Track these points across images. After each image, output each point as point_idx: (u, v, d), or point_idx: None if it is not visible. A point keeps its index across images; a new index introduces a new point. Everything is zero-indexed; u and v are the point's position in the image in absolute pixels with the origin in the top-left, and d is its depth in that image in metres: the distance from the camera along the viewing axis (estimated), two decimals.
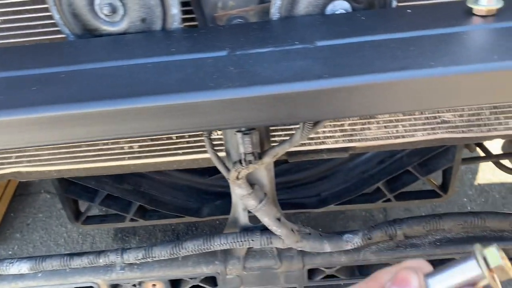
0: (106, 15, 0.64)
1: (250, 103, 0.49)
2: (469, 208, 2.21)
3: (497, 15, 0.59)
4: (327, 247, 0.92)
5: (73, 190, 1.21)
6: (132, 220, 1.25)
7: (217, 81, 0.50)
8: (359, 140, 0.96)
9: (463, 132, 0.97)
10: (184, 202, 1.29)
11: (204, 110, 0.48)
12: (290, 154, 0.97)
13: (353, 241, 0.93)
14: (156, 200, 1.25)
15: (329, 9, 0.67)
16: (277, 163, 1.30)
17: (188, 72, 0.52)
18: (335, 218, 1.91)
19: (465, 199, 2.26)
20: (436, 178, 1.44)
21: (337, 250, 0.93)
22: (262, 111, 0.49)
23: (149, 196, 1.25)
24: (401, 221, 0.94)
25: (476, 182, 2.32)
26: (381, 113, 0.52)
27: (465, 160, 1.40)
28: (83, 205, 1.29)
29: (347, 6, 0.67)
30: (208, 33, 0.64)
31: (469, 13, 0.60)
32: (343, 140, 0.97)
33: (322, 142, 0.97)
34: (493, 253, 0.41)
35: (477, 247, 0.41)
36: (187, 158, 0.97)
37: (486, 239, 0.96)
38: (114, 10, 0.63)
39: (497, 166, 1.45)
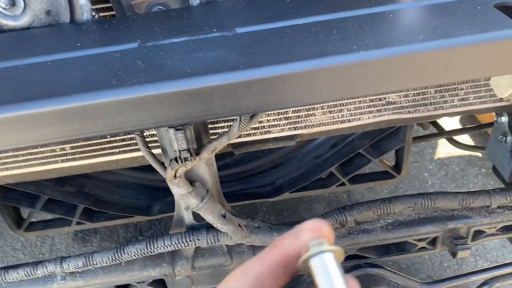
0: (3, 8, 0.57)
1: (157, 100, 0.44)
2: (429, 183, 2.23)
3: None
4: None
5: (12, 196, 1.13)
6: (78, 223, 1.18)
7: (120, 78, 0.44)
8: (305, 127, 0.93)
9: (409, 112, 0.95)
10: (133, 200, 1.23)
11: (106, 111, 0.43)
12: (235, 146, 0.93)
13: None
14: (102, 201, 1.19)
15: None
16: (225, 155, 1.26)
17: (90, 69, 0.47)
18: (299, 202, 1.89)
19: (426, 174, 2.28)
20: (389, 159, 1.44)
21: None
22: (173, 109, 0.44)
23: (94, 197, 1.18)
24: (351, 207, 0.92)
25: (436, 157, 2.36)
26: (304, 105, 0.48)
27: (417, 139, 1.40)
28: (26, 211, 1.22)
29: None
30: (120, 24, 0.58)
31: None
32: (288, 128, 0.93)
33: (268, 131, 0.93)
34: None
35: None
36: (125, 156, 0.92)
37: (437, 220, 0.95)
38: (12, 2, 0.57)
39: (450, 142, 1.45)
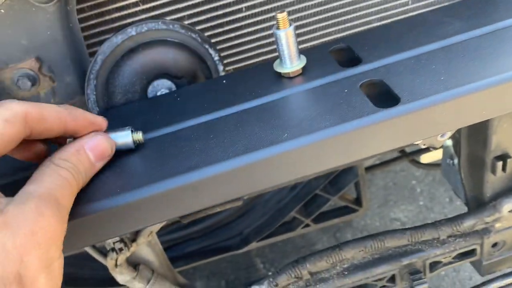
0: None
1: None
2: (418, 190, 2.24)
3: (303, 73, 0.58)
4: None
5: None
6: None
7: None
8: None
9: None
10: (105, 273, 1.25)
11: None
12: (181, 216, 0.95)
13: None
14: (73, 278, 1.20)
15: (150, 91, 0.65)
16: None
17: None
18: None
19: (414, 182, 2.29)
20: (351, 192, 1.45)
21: None
22: None
23: (66, 275, 1.20)
24: (304, 259, 0.93)
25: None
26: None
27: (374, 167, 1.42)
28: None
29: (168, 84, 0.65)
30: None
31: (279, 76, 0.59)
32: None
33: None
34: None
35: None
36: None
37: (391, 258, 0.96)
38: None
39: (412, 164, 1.47)
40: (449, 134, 0.73)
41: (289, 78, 0.58)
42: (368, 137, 0.48)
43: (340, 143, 0.47)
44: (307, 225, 1.24)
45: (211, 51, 0.66)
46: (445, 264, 0.99)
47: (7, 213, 0.41)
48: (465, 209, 2.06)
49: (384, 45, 0.59)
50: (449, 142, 1.10)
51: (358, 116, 0.48)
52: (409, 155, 1.43)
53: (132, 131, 0.52)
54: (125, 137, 0.51)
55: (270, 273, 0.94)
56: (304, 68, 0.58)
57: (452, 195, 2.16)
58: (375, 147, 0.50)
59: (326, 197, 1.20)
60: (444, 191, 2.22)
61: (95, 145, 0.48)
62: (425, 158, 1.57)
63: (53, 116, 0.47)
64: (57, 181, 0.44)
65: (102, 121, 0.51)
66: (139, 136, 0.52)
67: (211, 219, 1.34)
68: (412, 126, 0.49)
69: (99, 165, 0.49)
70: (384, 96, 0.52)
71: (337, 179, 1.21)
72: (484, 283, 1.01)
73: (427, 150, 1.47)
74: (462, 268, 1.88)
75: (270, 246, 1.99)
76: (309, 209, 1.25)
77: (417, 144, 0.91)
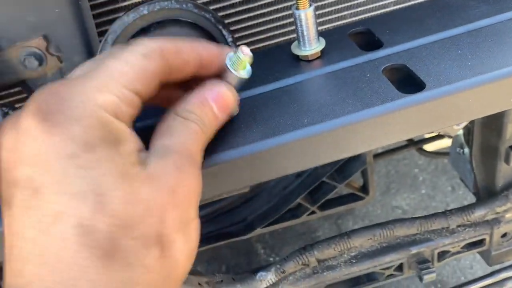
0: None
1: None
2: (420, 178, 2.23)
3: (322, 57, 0.56)
4: None
5: None
6: None
7: None
8: None
9: None
10: None
11: None
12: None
13: (267, 278, 0.91)
14: None
15: None
16: None
17: None
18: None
19: (416, 170, 2.28)
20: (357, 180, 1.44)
21: None
22: None
23: None
24: (311, 247, 0.92)
25: None
26: None
27: (381, 155, 1.40)
28: None
29: None
30: None
31: (296, 59, 0.57)
32: None
33: None
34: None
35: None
36: None
37: (400, 246, 0.95)
38: None
39: (418, 152, 1.45)
40: (465, 122, 0.72)
41: (307, 61, 0.56)
42: (393, 123, 0.46)
43: (364, 129, 0.46)
44: (313, 212, 1.23)
45: (225, 32, 0.64)
46: (453, 254, 0.98)
47: (149, 167, 0.39)
48: (467, 198, 2.06)
49: (405, 28, 0.57)
50: (459, 132, 1.09)
51: (383, 101, 0.46)
52: (416, 143, 1.41)
53: None
54: None
55: (275, 260, 0.94)
56: (322, 51, 0.56)
57: (454, 184, 2.15)
58: (398, 134, 0.48)
59: (333, 185, 1.19)
60: (446, 180, 2.22)
61: (218, 96, 0.44)
62: (429, 147, 1.56)
63: (188, 47, 0.44)
64: (189, 136, 0.41)
65: (228, 50, 0.48)
66: None
67: (215, 205, 1.33)
68: (438, 113, 0.47)
69: (222, 118, 0.45)
70: (407, 82, 0.50)
71: (344, 166, 1.19)
72: (491, 274, 1.00)
73: (434, 138, 1.46)
74: (463, 257, 1.88)
75: (271, 232, 1.99)
76: (315, 196, 1.24)
77: (430, 132, 0.89)
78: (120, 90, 0.39)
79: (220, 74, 0.46)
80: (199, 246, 0.97)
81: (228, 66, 0.46)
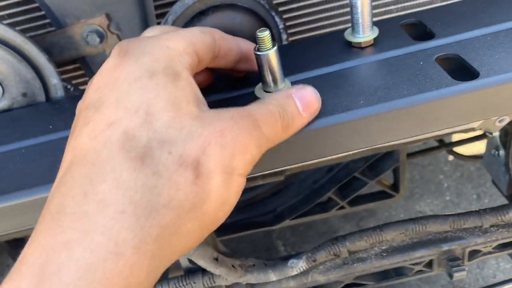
0: None
1: None
2: (445, 185, 2.21)
3: (375, 45, 0.58)
4: (272, 276, 0.91)
5: None
6: None
7: None
8: None
9: None
10: None
11: None
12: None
13: (298, 265, 0.92)
14: None
15: None
16: None
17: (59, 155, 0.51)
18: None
19: (441, 176, 2.26)
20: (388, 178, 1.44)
21: (283, 277, 0.92)
22: None
23: None
24: (344, 238, 0.94)
25: (450, 157, 2.32)
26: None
27: (415, 154, 1.40)
28: None
29: None
30: None
31: (349, 45, 0.59)
32: None
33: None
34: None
35: None
36: None
37: (431, 243, 0.96)
38: None
39: (450, 154, 1.45)
40: (507, 120, 0.72)
41: (361, 48, 0.58)
42: (446, 110, 0.48)
43: (419, 114, 0.47)
44: (342, 207, 1.24)
45: (277, 19, 0.66)
46: (484, 254, 0.98)
47: (204, 112, 0.42)
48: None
49: (457, 21, 0.58)
50: (496, 133, 1.09)
51: (438, 87, 0.47)
52: (448, 145, 1.41)
53: None
54: None
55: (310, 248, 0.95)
56: (375, 40, 0.58)
57: (480, 192, 2.13)
58: (449, 121, 0.49)
59: (364, 181, 1.20)
60: (471, 188, 2.19)
61: (303, 95, 0.47)
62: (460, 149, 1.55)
63: (230, 37, 0.50)
64: (261, 109, 0.44)
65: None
66: None
67: (246, 194, 1.35)
68: (491, 101, 0.48)
69: (306, 117, 0.47)
70: (460, 71, 0.51)
71: (376, 163, 1.20)
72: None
73: (467, 141, 1.45)
74: (486, 266, 1.86)
75: (292, 230, 2.00)
76: (345, 191, 1.25)
77: (473, 128, 0.90)
78: (187, 46, 0.44)
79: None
80: (228, 233, 0.99)
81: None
